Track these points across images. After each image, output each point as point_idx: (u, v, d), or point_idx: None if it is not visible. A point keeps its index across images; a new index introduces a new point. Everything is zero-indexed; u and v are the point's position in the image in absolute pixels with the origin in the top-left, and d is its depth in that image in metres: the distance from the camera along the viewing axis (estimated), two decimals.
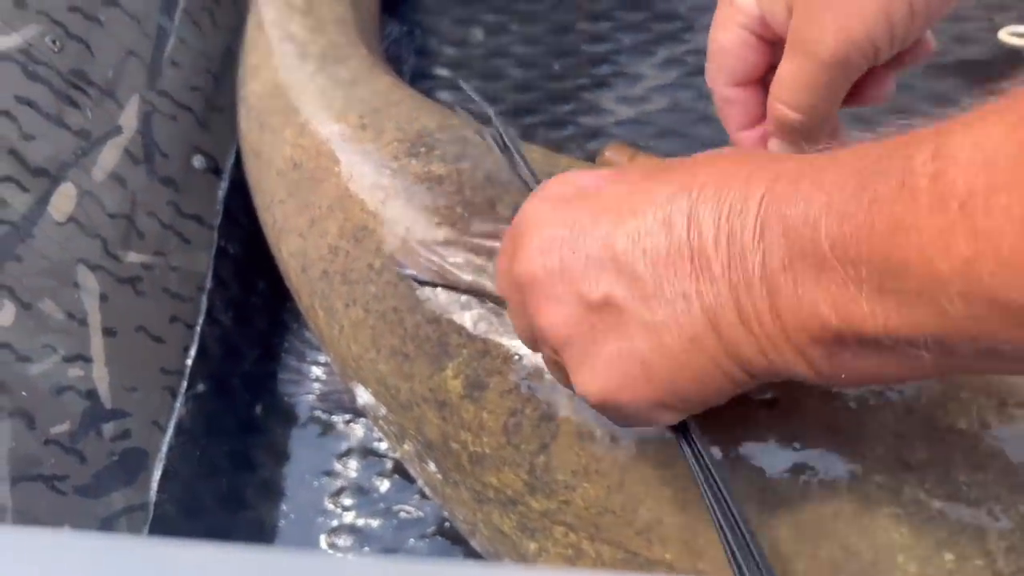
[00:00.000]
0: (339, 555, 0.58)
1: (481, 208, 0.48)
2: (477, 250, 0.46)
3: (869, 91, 0.41)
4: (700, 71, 0.74)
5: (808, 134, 0.39)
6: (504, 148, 0.42)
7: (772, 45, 0.40)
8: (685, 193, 0.30)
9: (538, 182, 0.40)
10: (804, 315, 0.27)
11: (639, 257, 0.30)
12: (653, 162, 0.33)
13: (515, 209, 0.48)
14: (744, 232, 0.28)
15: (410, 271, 0.47)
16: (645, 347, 0.31)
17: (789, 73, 0.38)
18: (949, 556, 0.37)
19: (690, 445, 0.35)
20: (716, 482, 0.34)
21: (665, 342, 0.30)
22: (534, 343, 0.36)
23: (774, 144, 0.41)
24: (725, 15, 0.40)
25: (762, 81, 0.41)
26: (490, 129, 0.43)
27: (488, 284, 0.45)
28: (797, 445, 0.38)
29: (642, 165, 0.33)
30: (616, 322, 0.31)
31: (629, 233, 0.31)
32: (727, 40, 0.40)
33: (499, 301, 0.45)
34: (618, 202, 0.32)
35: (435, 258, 0.46)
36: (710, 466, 0.34)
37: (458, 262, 0.46)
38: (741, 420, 0.39)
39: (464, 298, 0.46)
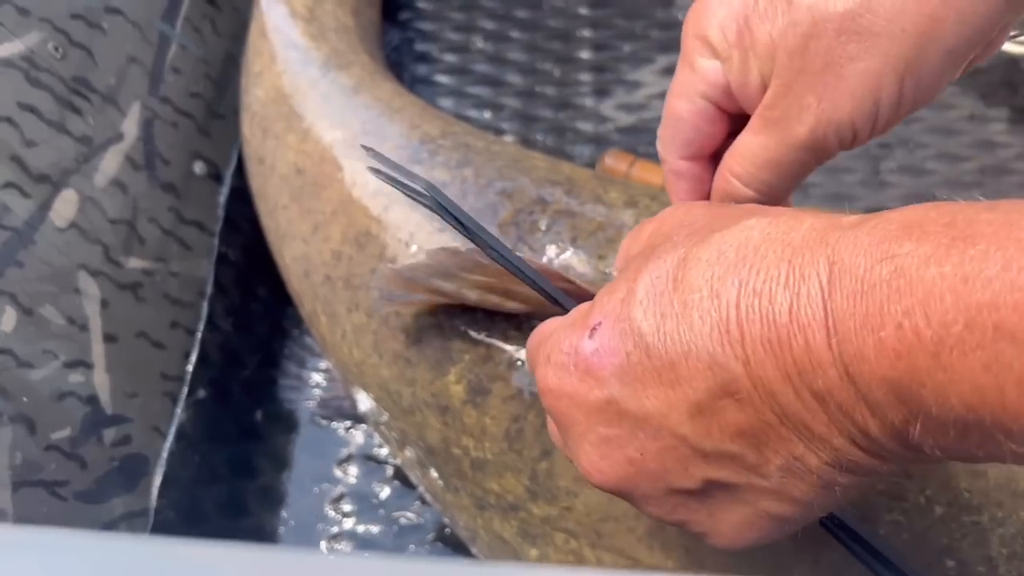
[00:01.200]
0: (339, 556, 0.58)
1: (483, 214, 0.49)
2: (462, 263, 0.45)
3: None
4: None
5: None
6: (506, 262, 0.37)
7: (732, 119, 0.36)
8: (727, 335, 0.25)
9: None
10: (952, 449, 0.24)
11: (721, 439, 0.27)
12: (651, 278, 0.28)
13: (518, 215, 0.48)
14: (835, 392, 0.24)
15: (398, 295, 0.45)
16: (771, 507, 0.28)
17: (751, 148, 0.34)
18: (951, 563, 0.37)
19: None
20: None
21: (793, 497, 0.28)
22: None
23: None
24: (685, 82, 0.36)
25: (715, 156, 0.38)
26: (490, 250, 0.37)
27: (469, 296, 0.44)
28: None
29: (640, 295, 0.28)
30: (728, 495, 0.29)
31: (692, 416, 0.27)
32: (684, 109, 0.36)
33: (488, 307, 0.44)
34: (651, 375, 0.27)
35: (433, 283, 0.45)
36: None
37: (440, 277, 0.44)
38: None
39: (471, 296, 0.46)
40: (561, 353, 0.30)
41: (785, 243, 0.25)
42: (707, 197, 0.38)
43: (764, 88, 0.34)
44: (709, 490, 0.29)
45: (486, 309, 0.45)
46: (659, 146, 0.38)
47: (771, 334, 0.25)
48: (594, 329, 0.29)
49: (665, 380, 0.27)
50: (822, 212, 0.27)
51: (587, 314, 0.30)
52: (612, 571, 0.42)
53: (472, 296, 0.43)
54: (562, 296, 0.36)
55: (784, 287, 0.25)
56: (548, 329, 0.33)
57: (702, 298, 0.26)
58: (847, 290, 0.23)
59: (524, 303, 0.43)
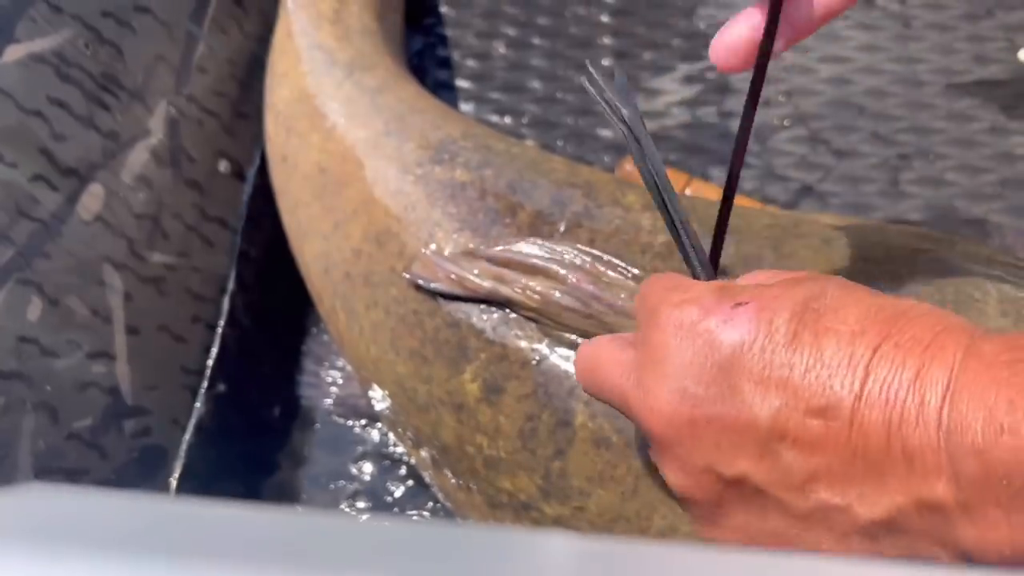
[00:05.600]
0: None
1: (503, 215, 0.49)
2: (495, 259, 0.47)
3: None
4: (719, 88, 0.75)
5: None
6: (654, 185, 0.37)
7: None
8: (852, 371, 0.27)
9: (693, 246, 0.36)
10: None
11: (790, 447, 0.28)
12: (807, 294, 0.30)
13: (537, 217, 0.48)
14: (927, 452, 0.26)
15: (433, 284, 0.47)
16: (779, 527, 0.29)
17: None
18: None
19: None
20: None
21: (808, 534, 0.29)
22: None
23: None
24: None
25: None
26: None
27: (505, 290, 0.45)
28: None
29: (795, 301, 0.29)
30: (751, 499, 0.30)
31: (778, 414, 0.28)
32: None
33: (517, 307, 0.45)
34: (765, 362, 0.28)
35: (453, 267, 0.47)
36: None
37: (477, 271, 0.46)
38: None
39: (483, 303, 0.47)
40: (700, 305, 0.31)
41: (937, 318, 0.28)
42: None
43: None
44: (739, 484, 0.29)
45: (503, 308, 0.46)
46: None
47: (894, 383, 0.26)
48: (740, 304, 0.30)
49: (775, 378, 0.28)
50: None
51: (735, 289, 0.31)
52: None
53: (496, 291, 0.44)
54: (707, 267, 0.36)
55: (924, 349, 0.26)
56: (684, 282, 0.33)
57: (848, 330, 0.28)
58: (972, 366, 0.25)
59: (543, 303, 0.44)
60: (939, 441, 0.25)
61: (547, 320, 0.44)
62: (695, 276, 0.36)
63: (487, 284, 0.46)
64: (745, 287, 0.31)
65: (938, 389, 0.25)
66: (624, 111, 0.36)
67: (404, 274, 0.49)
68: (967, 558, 0.26)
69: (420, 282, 0.48)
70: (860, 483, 0.27)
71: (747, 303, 0.30)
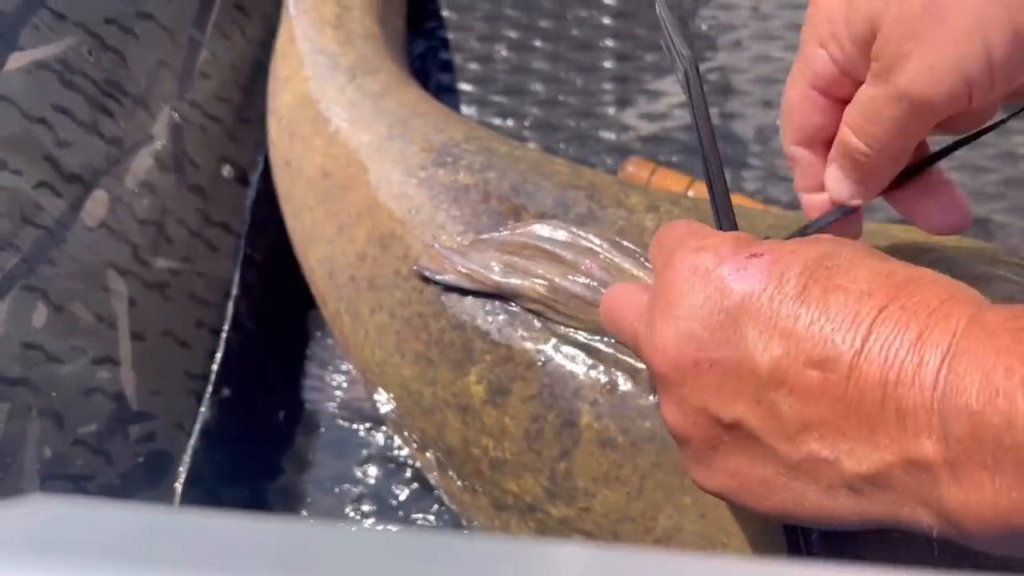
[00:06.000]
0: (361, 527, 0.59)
1: (506, 217, 0.49)
2: (505, 246, 0.47)
3: (965, 123, 0.35)
4: (721, 90, 0.75)
5: (871, 170, 0.35)
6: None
7: (843, 105, 0.36)
8: (855, 327, 0.28)
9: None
10: (1006, 509, 0.25)
11: (785, 395, 0.29)
12: (821, 252, 0.30)
13: (540, 219, 0.48)
14: (920, 412, 0.26)
15: (439, 276, 0.48)
16: (768, 475, 0.30)
17: (861, 98, 0.34)
18: None
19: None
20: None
21: (794, 483, 0.29)
22: None
23: (831, 172, 0.37)
24: (796, 70, 0.36)
25: (830, 145, 0.37)
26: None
27: (513, 280, 0.45)
28: None
29: (808, 257, 0.30)
30: (744, 444, 0.30)
31: (778, 362, 0.29)
32: (794, 95, 0.37)
33: (523, 299, 0.45)
34: (772, 312, 0.29)
35: (461, 260, 0.47)
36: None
37: (485, 262, 0.47)
38: None
39: (489, 304, 0.47)
40: (716, 253, 0.31)
41: (945, 287, 0.28)
42: (820, 187, 0.38)
43: (873, 39, 0.33)
44: (733, 429, 0.30)
45: (509, 308, 0.46)
46: (781, 135, 0.39)
47: (895, 343, 0.27)
48: (755, 255, 0.31)
49: (779, 327, 0.29)
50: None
51: (753, 242, 0.32)
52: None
53: (503, 283, 0.44)
54: (729, 218, 0.37)
55: (929, 314, 0.27)
56: (702, 230, 0.34)
57: (856, 289, 0.28)
58: (975, 333, 0.26)
59: (550, 295, 0.44)
60: (933, 402, 0.25)
61: (552, 311, 0.44)
62: (719, 224, 0.37)
63: (495, 276, 0.46)
64: (763, 242, 0.32)
65: (938, 352, 0.26)
66: (683, 51, 0.39)
67: (413, 267, 0.49)
68: (948, 520, 0.26)
69: (427, 274, 0.48)
70: (851, 438, 0.27)
71: (762, 255, 0.30)
